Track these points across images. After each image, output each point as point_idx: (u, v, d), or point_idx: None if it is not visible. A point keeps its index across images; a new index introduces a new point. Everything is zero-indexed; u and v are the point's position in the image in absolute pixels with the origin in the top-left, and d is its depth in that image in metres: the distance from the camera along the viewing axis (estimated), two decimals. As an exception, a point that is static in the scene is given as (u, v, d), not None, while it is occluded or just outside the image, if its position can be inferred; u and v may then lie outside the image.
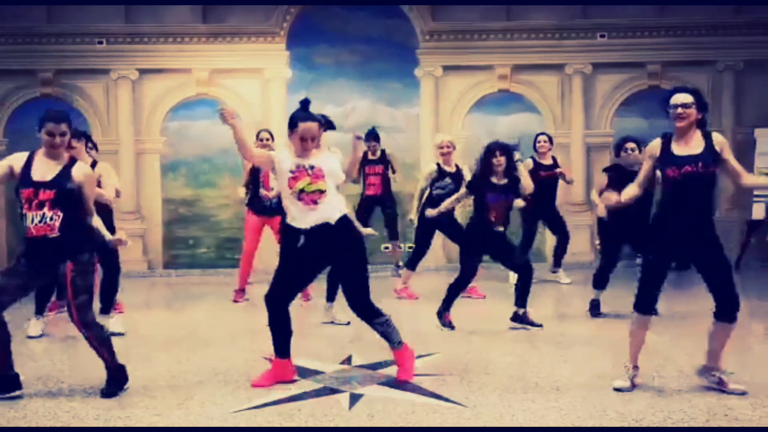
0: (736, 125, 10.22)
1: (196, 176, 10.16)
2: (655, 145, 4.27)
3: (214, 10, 10.07)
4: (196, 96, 10.10)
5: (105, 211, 6.05)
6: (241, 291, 7.61)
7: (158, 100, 10.11)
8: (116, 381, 4.38)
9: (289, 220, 4.49)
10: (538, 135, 8.52)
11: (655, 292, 4.30)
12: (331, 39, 10.06)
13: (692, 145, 4.16)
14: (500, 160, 5.88)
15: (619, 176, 6.29)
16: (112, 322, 6.07)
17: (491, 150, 5.93)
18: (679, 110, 4.14)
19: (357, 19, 10.04)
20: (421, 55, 10.16)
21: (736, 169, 4.22)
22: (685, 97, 4.17)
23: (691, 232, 4.15)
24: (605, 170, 6.68)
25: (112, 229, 6.26)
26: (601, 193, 6.66)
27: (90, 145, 6.34)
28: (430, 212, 6.51)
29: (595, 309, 6.61)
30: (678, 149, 4.16)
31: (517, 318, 6.05)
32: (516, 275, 6.21)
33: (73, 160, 4.30)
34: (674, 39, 10.15)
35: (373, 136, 8.62)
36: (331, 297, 6.31)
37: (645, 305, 4.29)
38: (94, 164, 5.93)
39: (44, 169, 4.19)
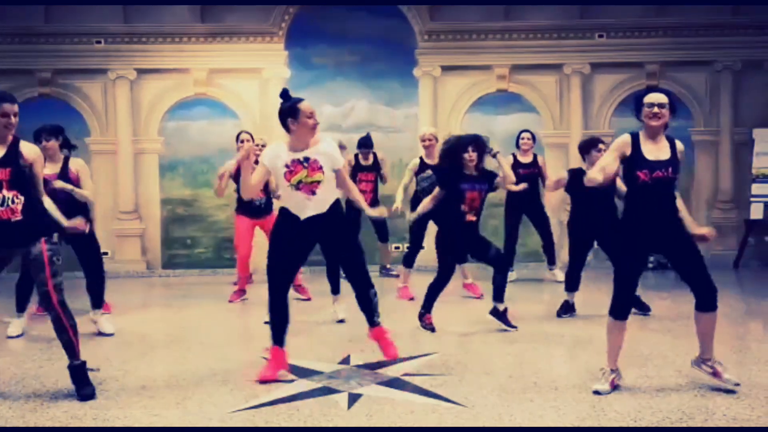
0: (734, 125, 10.21)
1: (194, 176, 10.14)
2: (626, 142, 4.19)
3: (213, 9, 10.05)
4: (195, 96, 10.08)
5: (83, 207, 5.86)
6: (241, 291, 7.57)
7: (156, 100, 10.09)
8: (84, 379, 4.24)
9: (285, 205, 4.63)
10: (521, 132, 8.49)
11: (631, 296, 4.30)
12: (329, 39, 10.04)
13: (661, 148, 4.18)
14: (472, 156, 5.84)
15: (579, 182, 6.29)
16: (101, 322, 6.04)
17: (464, 145, 5.86)
18: (656, 109, 4.15)
19: (356, 19, 10.02)
20: (419, 55, 10.15)
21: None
22: (661, 97, 4.20)
23: (660, 231, 4.17)
24: (569, 171, 6.64)
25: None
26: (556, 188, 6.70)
27: (64, 144, 5.88)
28: (410, 216, 6.47)
29: (564, 310, 6.53)
30: (648, 152, 4.15)
31: (495, 314, 5.98)
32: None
33: (16, 140, 4.18)
34: (672, 39, 10.15)
35: (365, 143, 8.65)
36: (335, 290, 6.35)
37: (620, 311, 4.26)
38: (66, 160, 5.76)
39: None
